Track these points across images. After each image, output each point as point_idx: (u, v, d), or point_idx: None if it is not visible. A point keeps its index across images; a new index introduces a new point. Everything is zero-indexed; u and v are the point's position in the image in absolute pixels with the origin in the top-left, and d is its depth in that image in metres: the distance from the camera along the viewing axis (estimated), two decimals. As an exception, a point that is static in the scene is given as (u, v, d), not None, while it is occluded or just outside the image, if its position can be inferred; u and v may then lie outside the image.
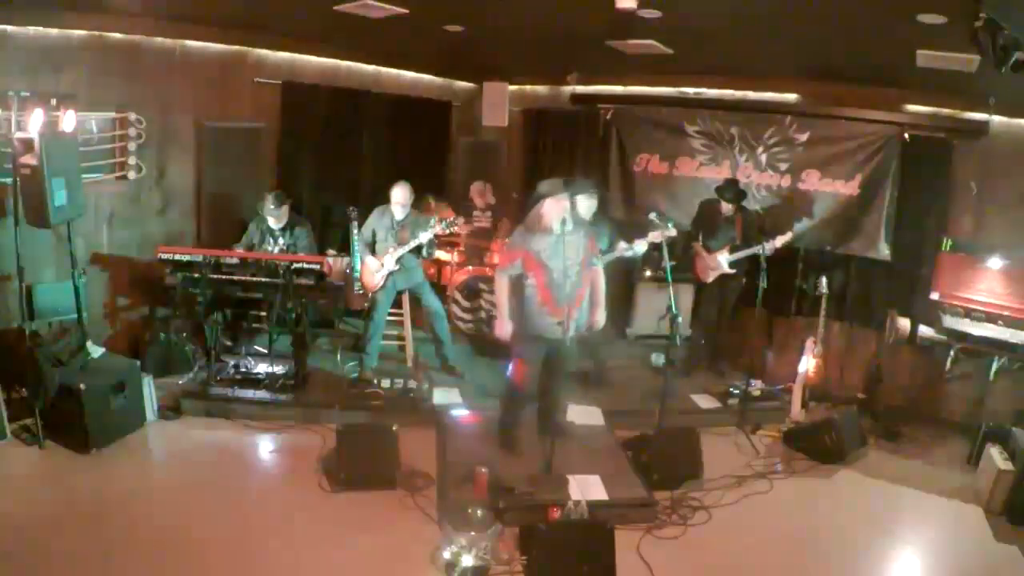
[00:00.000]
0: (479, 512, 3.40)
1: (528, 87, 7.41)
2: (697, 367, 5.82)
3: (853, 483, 4.46)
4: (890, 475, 4.54)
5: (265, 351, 5.25)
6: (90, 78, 4.82)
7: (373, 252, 5.20)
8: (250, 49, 5.78)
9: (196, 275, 4.70)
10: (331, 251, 5.77)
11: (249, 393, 4.78)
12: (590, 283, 4.06)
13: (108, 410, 4.17)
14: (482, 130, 7.52)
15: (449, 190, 7.33)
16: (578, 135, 7.00)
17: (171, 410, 4.65)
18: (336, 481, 3.93)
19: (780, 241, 5.24)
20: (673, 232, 4.97)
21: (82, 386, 4.01)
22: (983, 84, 4.52)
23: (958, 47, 3.70)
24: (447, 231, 5.14)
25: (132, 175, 5.18)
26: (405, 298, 5.45)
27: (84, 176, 4.38)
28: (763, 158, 6.05)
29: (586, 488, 3.82)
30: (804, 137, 5.85)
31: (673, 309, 4.05)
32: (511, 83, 7.20)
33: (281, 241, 5.26)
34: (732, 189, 5.51)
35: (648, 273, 6.20)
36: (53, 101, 4.35)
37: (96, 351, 4.50)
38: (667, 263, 4.37)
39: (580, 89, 6.98)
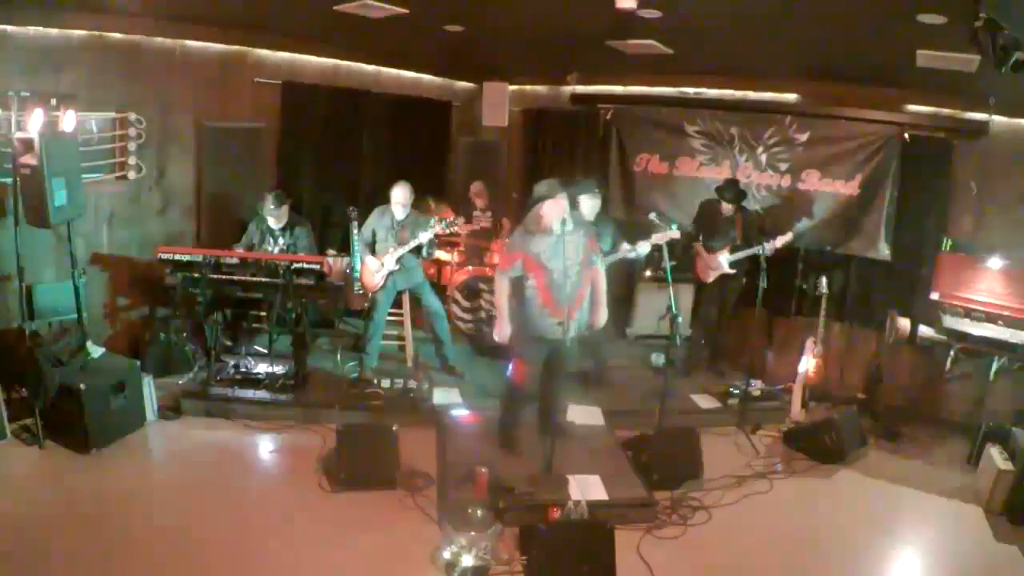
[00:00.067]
0: (479, 512, 3.40)
1: (528, 87, 7.41)
2: (697, 367, 5.82)
3: (853, 483, 4.46)
4: (890, 475, 4.54)
5: (265, 351, 5.25)
6: (90, 78, 4.82)
7: (373, 252, 5.20)
8: (250, 49, 5.78)
9: (196, 275, 4.70)
10: (331, 251, 5.76)
11: (249, 393, 4.78)
12: (591, 282, 4.06)
13: (108, 410, 4.17)
14: (482, 130, 7.52)
15: (449, 190, 7.33)
16: (578, 135, 7.00)
17: (171, 410, 4.65)
18: (336, 481, 3.93)
19: (780, 241, 5.24)
20: (677, 234, 4.97)
21: (82, 386, 4.01)
22: (983, 84, 4.52)
23: (958, 47, 3.69)
24: (447, 231, 5.14)
25: (132, 175, 5.18)
26: (405, 298, 5.45)
27: (84, 176, 4.38)
28: (763, 158, 6.05)
29: (586, 488, 3.82)
30: (804, 137, 5.85)
31: (673, 309, 4.05)
32: (511, 83, 7.20)
33: (281, 241, 5.26)
34: (732, 189, 5.51)
35: (648, 273, 6.20)
36: (53, 101, 4.35)
37: (96, 351, 4.50)
38: (667, 263, 4.37)
39: (580, 89, 6.98)
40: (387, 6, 4.36)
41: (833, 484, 4.45)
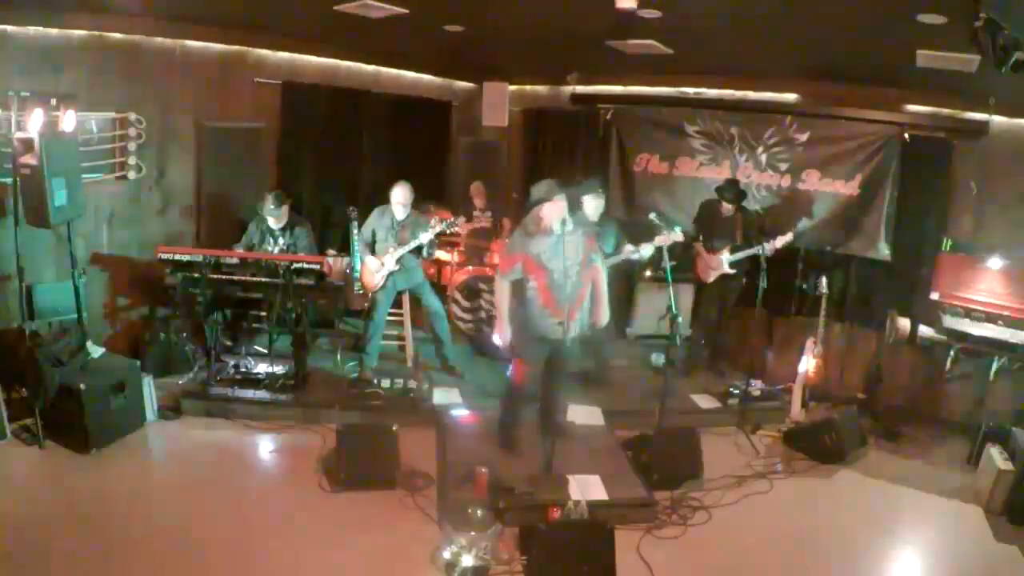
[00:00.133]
0: (479, 512, 3.40)
1: (528, 87, 7.40)
2: (697, 367, 5.82)
3: (853, 483, 4.46)
4: (890, 475, 4.54)
5: (265, 351, 5.25)
6: (90, 78, 4.82)
7: (373, 252, 5.19)
8: (250, 49, 5.78)
9: (196, 275, 4.70)
10: (331, 251, 5.76)
11: (249, 393, 4.78)
12: (591, 281, 4.06)
13: (108, 410, 4.17)
14: (482, 130, 7.52)
15: (449, 190, 7.33)
16: (578, 135, 7.00)
17: (171, 410, 4.65)
18: (336, 481, 3.93)
19: (780, 242, 5.23)
20: (680, 237, 4.97)
21: (82, 386, 4.01)
22: (983, 84, 4.52)
23: (958, 47, 3.69)
24: (448, 231, 5.13)
25: (132, 175, 5.18)
26: (405, 298, 5.45)
27: (84, 176, 4.38)
28: (763, 158, 6.05)
29: (586, 488, 3.82)
30: (804, 137, 5.85)
31: (673, 309, 4.05)
32: (511, 83, 7.20)
33: (281, 241, 5.26)
34: (732, 189, 5.51)
35: (648, 273, 6.20)
36: (53, 101, 4.34)
37: (96, 351, 4.50)
38: (667, 263, 4.37)
39: (580, 89, 6.97)
40: (387, 6, 4.36)
41: (833, 484, 4.45)
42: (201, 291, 4.72)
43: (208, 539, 3.38)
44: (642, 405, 4.86)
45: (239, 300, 5.06)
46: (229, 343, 5.46)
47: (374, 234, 5.20)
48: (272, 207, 5.14)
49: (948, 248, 5.24)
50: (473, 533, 3.25)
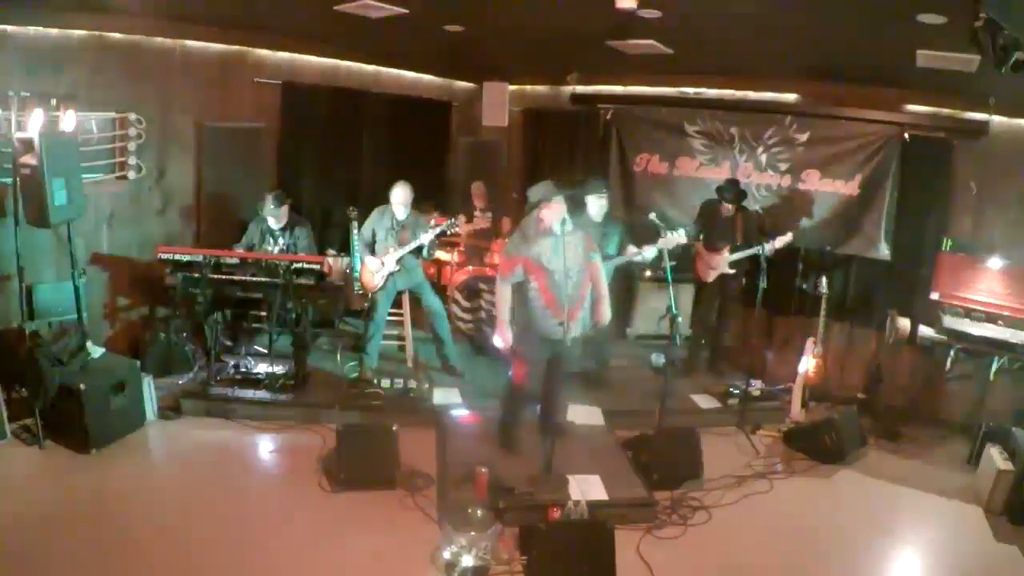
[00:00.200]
0: (479, 512, 3.40)
1: (528, 87, 7.41)
2: (697, 367, 5.82)
3: (853, 483, 4.46)
4: (890, 475, 4.54)
5: (265, 351, 5.25)
6: (90, 78, 4.82)
7: (373, 252, 5.19)
8: (250, 49, 5.78)
9: (196, 275, 4.71)
10: (331, 251, 5.77)
11: (249, 393, 4.78)
12: (591, 281, 4.06)
13: (108, 410, 4.17)
14: (482, 130, 7.52)
15: (449, 190, 7.33)
16: (578, 135, 7.00)
17: (171, 410, 4.65)
18: (336, 481, 3.93)
19: (780, 242, 5.23)
20: (684, 239, 4.95)
21: (82, 386, 4.01)
22: (983, 84, 4.52)
23: (958, 47, 3.69)
24: (449, 232, 5.13)
25: (132, 175, 5.18)
26: (405, 298, 5.44)
27: (84, 176, 4.37)
28: (763, 158, 6.05)
29: (586, 488, 3.82)
30: (804, 137, 5.85)
31: (673, 309, 4.05)
32: (511, 83, 7.20)
33: (281, 241, 5.26)
34: (732, 189, 5.51)
35: (648, 273, 6.20)
36: (53, 101, 4.35)
37: (96, 351, 4.50)
38: (667, 263, 4.37)
39: (580, 89, 6.97)
40: (387, 6, 4.36)
41: (833, 484, 4.45)
42: (201, 291, 4.72)
43: (208, 539, 3.38)
44: (642, 405, 4.85)
45: (239, 300, 5.07)
46: (229, 343, 5.47)
47: (374, 234, 5.20)
48: (272, 207, 5.15)
49: (948, 248, 5.24)
50: (473, 533, 3.25)
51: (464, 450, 4.21)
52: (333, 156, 6.43)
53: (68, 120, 4.19)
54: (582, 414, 4.83)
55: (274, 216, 5.20)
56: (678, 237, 4.88)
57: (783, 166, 5.98)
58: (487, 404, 4.72)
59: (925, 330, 4.99)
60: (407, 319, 5.57)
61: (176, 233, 5.57)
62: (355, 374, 5.21)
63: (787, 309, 5.91)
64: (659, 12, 3.98)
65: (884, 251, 5.60)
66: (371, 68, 6.72)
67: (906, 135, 5.44)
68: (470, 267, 5.97)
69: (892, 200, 5.54)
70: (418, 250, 5.07)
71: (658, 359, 5.75)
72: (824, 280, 5.24)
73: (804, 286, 5.67)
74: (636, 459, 4.28)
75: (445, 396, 5.01)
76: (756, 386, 5.35)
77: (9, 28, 4.39)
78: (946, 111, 5.42)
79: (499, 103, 7.17)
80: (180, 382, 4.99)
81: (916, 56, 4.19)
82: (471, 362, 5.63)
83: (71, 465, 3.97)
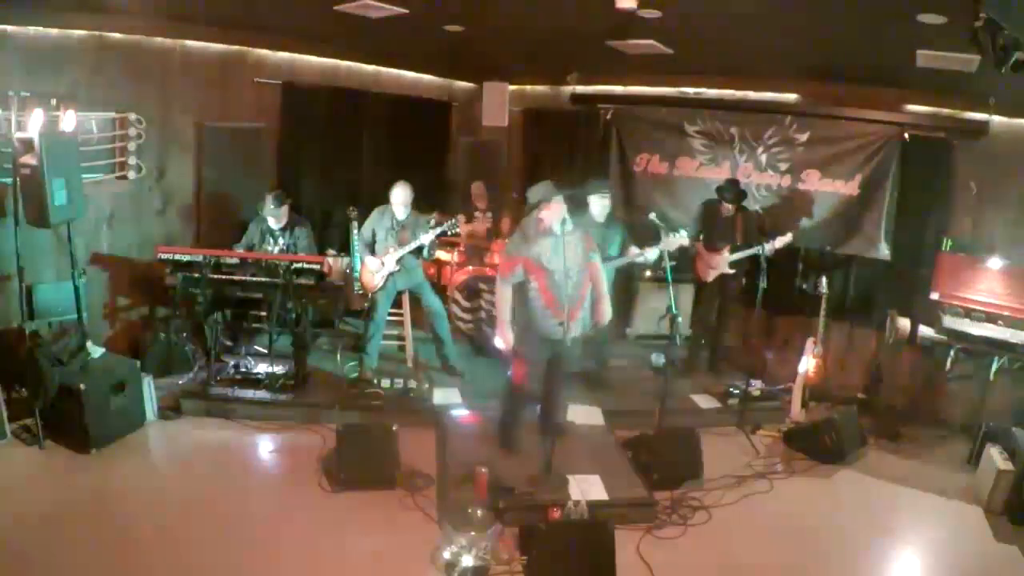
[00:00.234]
0: (479, 512, 3.40)
1: (528, 87, 7.41)
2: (697, 367, 5.82)
3: (853, 483, 4.46)
4: (890, 475, 4.54)
5: (265, 351, 5.25)
6: (90, 78, 4.82)
7: (373, 252, 5.19)
8: (250, 49, 5.79)
9: (196, 275, 4.71)
10: (331, 251, 5.77)
11: (249, 393, 4.78)
12: (591, 281, 4.06)
13: (108, 410, 4.17)
14: (482, 130, 7.51)
15: (449, 190, 7.33)
16: (578, 135, 7.00)
17: (171, 410, 4.65)
18: (336, 481, 3.93)
19: (780, 242, 5.24)
20: (686, 241, 4.95)
21: (82, 386, 4.01)
22: (983, 84, 4.52)
23: (958, 47, 3.69)
24: (450, 233, 5.13)
25: (132, 175, 5.18)
26: (405, 298, 5.44)
27: (84, 176, 4.37)
28: (763, 158, 6.05)
29: (586, 488, 3.82)
30: (804, 137, 5.85)
31: (673, 309, 4.05)
32: (511, 83, 7.20)
33: (281, 241, 5.26)
34: (732, 189, 5.51)
35: (648, 273, 6.20)
36: (53, 101, 4.35)
37: (96, 351, 4.50)
38: (667, 263, 4.37)
39: (580, 89, 6.97)
40: (387, 6, 4.36)
41: (833, 484, 4.45)
42: (201, 291, 4.72)
43: (208, 539, 3.38)
44: (642, 405, 4.85)
45: (239, 300, 5.07)
46: (229, 343, 5.47)
47: (374, 234, 5.19)
48: (272, 207, 5.15)
49: (948, 248, 5.24)
50: (473, 533, 3.25)
51: (464, 450, 4.21)
52: (333, 156, 6.43)
53: (68, 120, 4.19)
54: (582, 414, 4.83)
55: (274, 216, 5.20)
56: (680, 239, 4.88)
57: (783, 166, 5.98)
58: (487, 404, 4.71)
59: (925, 330, 4.99)
60: (407, 319, 5.57)
61: (176, 233, 5.57)
62: (355, 374, 5.21)
63: (787, 309, 5.90)
64: (659, 12, 3.98)
65: (884, 251, 5.61)
66: (371, 68, 6.72)
67: (906, 135, 5.44)
68: (470, 267, 5.97)
69: (892, 200, 5.54)
70: (418, 250, 5.07)
71: (658, 359, 5.75)
72: (824, 280, 5.24)
73: (804, 286, 5.67)
74: (636, 459, 4.28)
75: (445, 396, 5.01)
76: (756, 386, 5.35)
77: (9, 28, 4.39)
78: (946, 111, 5.42)
79: (499, 103, 7.17)
80: (180, 382, 4.98)
81: (916, 56, 4.19)
82: (471, 362, 5.62)
83: (71, 465, 3.97)
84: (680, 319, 4.16)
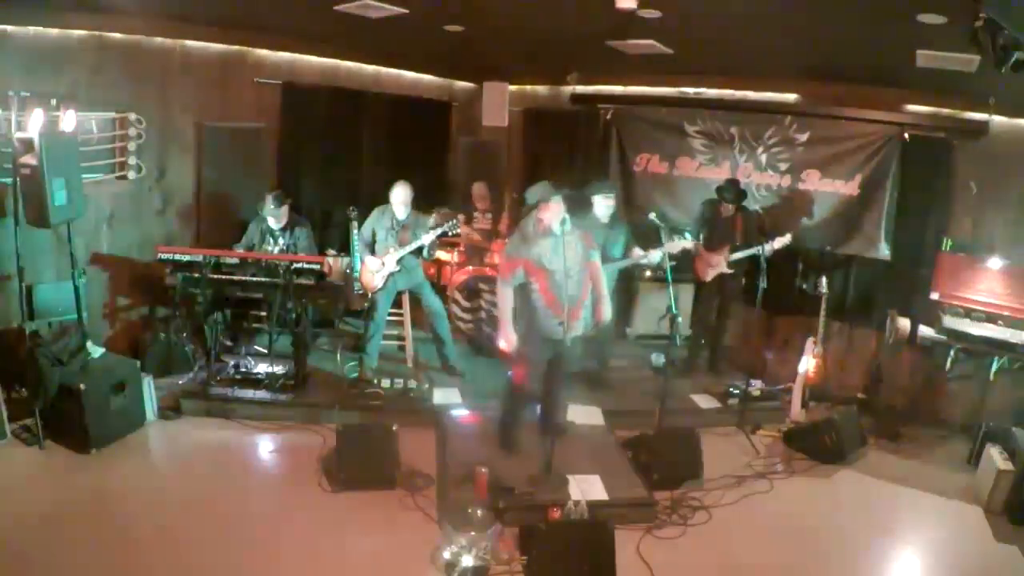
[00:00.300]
0: (479, 512, 3.40)
1: (528, 87, 7.40)
2: (697, 367, 5.82)
3: (853, 483, 4.46)
4: (890, 475, 4.54)
5: (265, 351, 5.25)
6: (90, 78, 4.83)
7: (373, 252, 5.19)
8: (250, 49, 5.79)
9: (196, 275, 4.70)
10: (331, 251, 5.76)
11: (249, 393, 4.78)
12: (592, 280, 4.07)
13: (108, 410, 4.18)
14: (482, 130, 7.51)
15: (449, 190, 7.33)
16: (578, 135, 6.99)
17: (171, 410, 4.65)
18: (336, 481, 3.93)
19: (780, 243, 5.24)
20: (690, 244, 4.93)
21: (82, 386, 4.01)
22: (983, 84, 4.52)
23: (958, 47, 3.69)
24: (451, 233, 5.13)
25: (132, 175, 5.18)
26: (405, 298, 5.44)
27: (84, 176, 4.38)
28: (763, 158, 6.05)
29: (586, 488, 3.82)
30: (804, 137, 5.85)
31: (673, 309, 4.05)
32: (511, 83, 7.20)
33: (281, 241, 5.26)
34: (732, 189, 5.51)
35: (648, 273, 6.20)
36: (53, 101, 4.34)
37: (96, 351, 4.50)
38: (668, 264, 4.37)
39: (580, 89, 6.97)
40: (387, 6, 4.36)
41: (833, 484, 4.45)
42: (201, 291, 4.72)
43: (208, 539, 3.38)
44: (642, 405, 4.85)
45: (239, 300, 5.07)
46: (229, 343, 5.47)
47: (374, 234, 5.19)
48: (272, 207, 5.15)
49: (948, 248, 5.24)
50: (473, 533, 3.25)
51: (464, 450, 4.21)
52: (333, 156, 6.43)
53: (68, 120, 4.19)
54: (582, 414, 4.83)
55: (274, 216, 5.20)
56: (684, 243, 4.88)
57: (783, 166, 5.98)
58: (487, 404, 4.72)
59: (925, 330, 4.99)
60: (407, 319, 5.57)
61: (176, 233, 5.57)
62: (355, 374, 5.21)
63: (787, 309, 5.90)
64: (659, 12, 3.98)
65: (884, 251, 5.60)
66: (371, 68, 6.72)
67: (906, 135, 5.44)
68: (470, 267, 5.97)
69: (892, 200, 5.54)
70: (418, 250, 5.07)
71: (658, 359, 5.75)
72: (824, 280, 5.24)
73: (804, 286, 5.67)
74: (636, 459, 4.28)
75: (445, 396, 5.01)
76: (756, 386, 5.35)
77: (9, 28, 4.39)
78: (946, 111, 5.42)
79: (499, 103, 7.16)
80: (180, 382, 4.99)
81: (916, 56, 4.19)
82: (471, 362, 5.62)
83: (71, 465, 3.97)
84: (680, 319, 4.16)
